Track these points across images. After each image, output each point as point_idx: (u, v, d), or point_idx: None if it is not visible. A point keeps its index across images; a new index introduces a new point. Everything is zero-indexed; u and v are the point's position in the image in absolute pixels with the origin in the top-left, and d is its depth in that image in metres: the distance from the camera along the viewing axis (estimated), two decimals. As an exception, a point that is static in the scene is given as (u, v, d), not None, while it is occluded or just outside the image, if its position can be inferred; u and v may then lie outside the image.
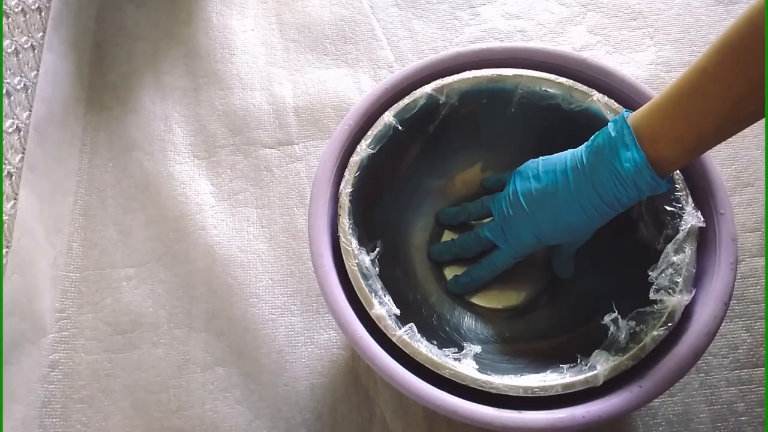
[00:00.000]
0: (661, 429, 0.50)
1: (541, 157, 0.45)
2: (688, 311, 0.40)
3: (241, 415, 0.52)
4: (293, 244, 0.59)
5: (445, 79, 0.48)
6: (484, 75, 0.48)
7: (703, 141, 0.38)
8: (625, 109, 0.43)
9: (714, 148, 0.62)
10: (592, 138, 0.42)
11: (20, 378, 0.51)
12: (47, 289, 0.56)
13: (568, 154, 0.43)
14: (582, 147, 0.43)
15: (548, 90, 0.48)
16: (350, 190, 0.45)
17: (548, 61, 0.49)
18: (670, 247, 0.41)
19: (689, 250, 0.41)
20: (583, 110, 0.47)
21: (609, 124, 0.41)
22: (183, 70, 0.68)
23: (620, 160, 0.39)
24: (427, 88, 0.48)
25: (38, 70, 0.62)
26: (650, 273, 0.42)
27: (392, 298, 0.43)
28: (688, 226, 0.41)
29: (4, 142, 0.55)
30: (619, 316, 0.42)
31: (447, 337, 0.47)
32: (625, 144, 0.39)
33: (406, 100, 0.47)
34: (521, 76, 0.48)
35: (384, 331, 0.40)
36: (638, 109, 0.40)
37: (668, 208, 0.43)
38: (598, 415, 0.37)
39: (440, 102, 0.48)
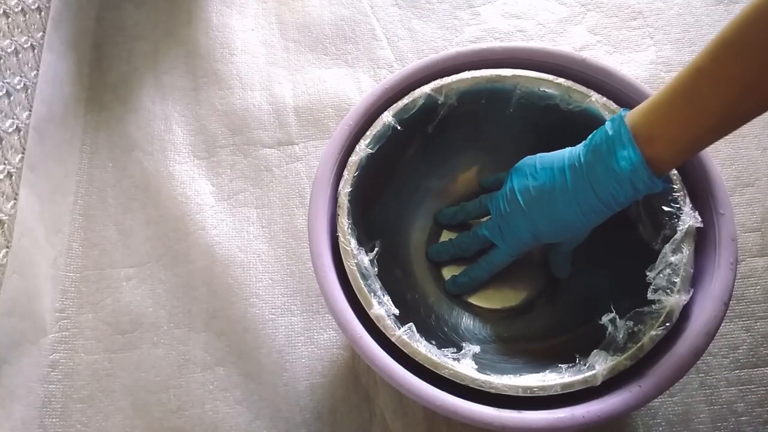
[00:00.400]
0: (661, 429, 0.50)
1: (538, 154, 0.45)
2: (688, 311, 0.40)
3: (241, 415, 0.52)
4: (293, 244, 0.59)
5: (443, 79, 0.48)
6: (482, 75, 0.48)
7: (699, 140, 0.38)
8: (622, 108, 0.43)
9: (714, 148, 0.62)
10: (589, 137, 0.42)
11: (20, 378, 0.51)
12: (47, 289, 0.56)
13: (566, 152, 0.43)
14: (580, 146, 0.43)
15: (547, 90, 0.48)
16: (349, 189, 0.45)
17: (548, 61, 0.49)
18: (667, 247, 0.41)
19: (687, 251, 0.41)
20: (582, 111, 0.47)
21: (606, 123, 0.41)
22: (183, 70, 0.68)
23: (617, 159, 0.39)
24: (426, 88, 0.48)
25: (38, 70, 0.62)
26: (648, 273, 0.42)
27: (391, 298, 0.43)
28: (686, 226, 0.41)
29: (4, 142, 0.55)
30: (617, 316, 0.42)
31: (445, 338, 0.47)
32: (622, 143, 0.39)
33: (405, 100, 0.47)
34: (520, 76, 0.48)
35: (383, 331, 0.40)
36: (635, 108, 0.40)
37: (666, 209, 0.43)
38: (597, 415, 0.37)
39: (439, 102, 0.48)
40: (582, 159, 0.41)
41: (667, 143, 0.38)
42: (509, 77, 0.48)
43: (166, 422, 0.52)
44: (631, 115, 0.40)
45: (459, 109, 0.49)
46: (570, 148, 0.43)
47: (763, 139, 0.62)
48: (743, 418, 0.50)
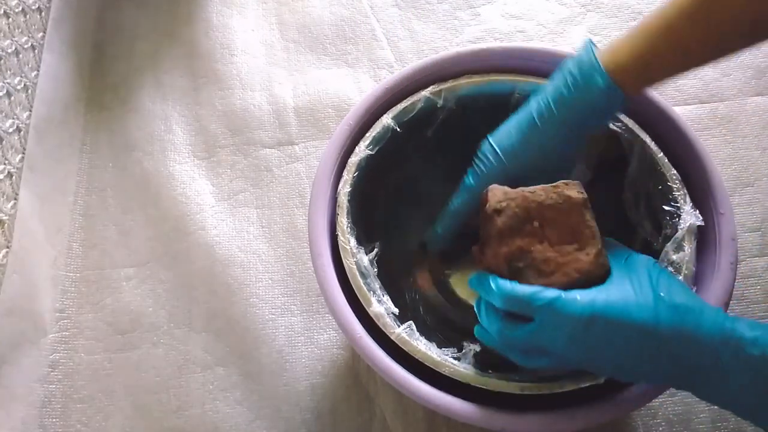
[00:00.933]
0: (661, 429, 0.50)
1: None
2: (688, 311, 0.40)
3: (241, 415, 0.52)
4: (293, 244, 0.59)
5: (442, 83, 0.48)
6: (480, 79, 0.48)
7: (655, 47, 0.38)
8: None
9: (714, 148, 0.62)
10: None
11: (20, 378, 0.51)
12: (47, 289, 0.56)
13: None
14: None
15: None
16: (348, 190, 0.45)
17: (548, 61, 0.49)
18: (669, 246, 0.41)
19: (688, 249, 0.41)
20: None
21: None
22: (183, 70, 0.69)
23: (575, 66, 0.40)
24: (425, 92, 0.48)
25: (38, 70, 0.62)
26: None
27: (390, 298, 0.43)
28: (687, 224, 0.41)
29: (4, 142, 0.55)
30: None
31: (445, 338, 0.47)
32: (584, 54, 0.40)
33: (405, 103, 0.47)
34: (518, 80, 0.48)
35: (383, 329, 0.40)
36: None
37: (666, 208, 0.43)
38: (598, 415, 0.37)
39: (438, 105, 0.48)
40: (548, 83, 0.42)
41: (626, 50, 0.39)
42: (507, 81, 0.48)
43: (166, 422, 0.52)
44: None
45: (458, 112, 0.49)
46: None
47: (763, 139, 0.62)
48: (743, 418, 0.50)
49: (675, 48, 0.38)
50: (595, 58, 0.39)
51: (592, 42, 0.41)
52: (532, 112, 0.42)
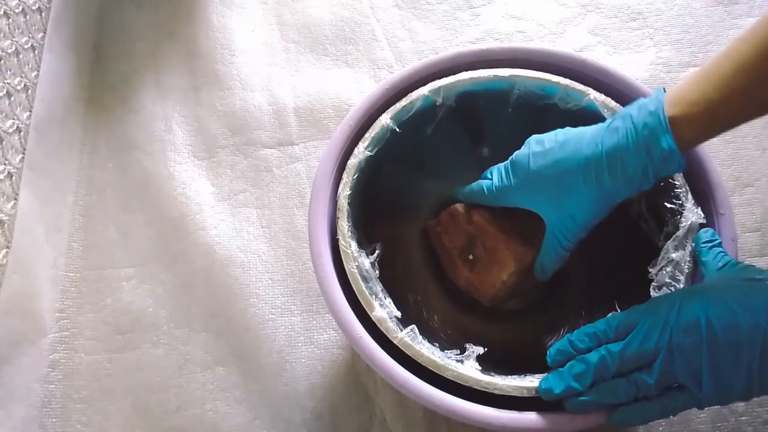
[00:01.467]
0: (661, 429, 0.50)
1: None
2: (688, 311, 0.40)
3: (241, 415, 0.52)
4: (293, 244, 0.59)
5: (441, 80, 0.48)
6: (479, 75, 0.48)
7: (722, 102, 0.36)
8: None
9: (714, 148, 0.62)
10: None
11: (20, 378, 0.51)
12: (47, 289, 0.56)
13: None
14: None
15: (545, 89, 0.48)
16: (348, 192, 0.44)
17: (548, 61, 0.49)
18: (670, 243, 0.41)
19: (689, 247, 0.41)
20: (581, 109, 0.47)
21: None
22: (183, 70, 0.69)
23: (641, 119, 0.38)
24: (424, 90, 0.48)
25: (38, 71, 0.62)
26: (650, 270, 0.42)
27: (393, 300, 0.42)
28: (688, 222, 0.41)
29: (4, 142, 0.55)
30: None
31: (448, 339, 0.47)
32: (652, 102, 0.38)
33: (403, 102, 0.47)
34: (517, 76, 0.48)
35: (385, 333, 0.40)
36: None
37: (668, 205, 0.43)
38: (598, 415, 0.37)
39: (437, 103, 0.48)
40: (611, 121, 0.40)
41: (689, 104, 0.36)
42: (507, 77, 0.48)
43: (166, 422, 0.52)
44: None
45: (458, 110, 0.49)
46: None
47: (763, 139, 0.62)
48: (743, 418, 0.50)
49: (750, 92, 0.35)
50: (666, 123, 0.37)
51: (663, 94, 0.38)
52: (580, 158, 0.40)
